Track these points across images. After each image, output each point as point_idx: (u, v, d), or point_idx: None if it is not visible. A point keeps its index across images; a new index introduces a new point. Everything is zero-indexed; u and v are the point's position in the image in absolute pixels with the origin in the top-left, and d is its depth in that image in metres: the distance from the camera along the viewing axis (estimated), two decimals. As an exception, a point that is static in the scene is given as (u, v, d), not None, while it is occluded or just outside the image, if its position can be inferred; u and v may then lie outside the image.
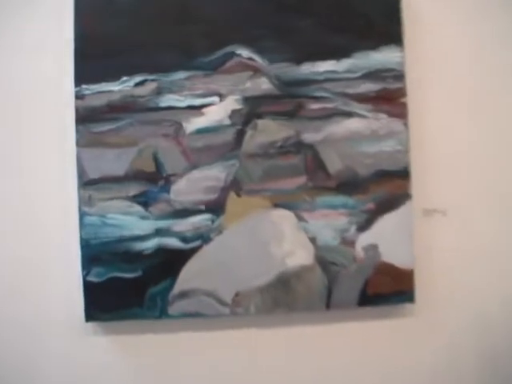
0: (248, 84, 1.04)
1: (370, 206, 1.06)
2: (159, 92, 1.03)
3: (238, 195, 1.04)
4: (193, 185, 1.04)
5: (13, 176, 1.08)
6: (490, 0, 1.15)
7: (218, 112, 1.04)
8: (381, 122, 1.06)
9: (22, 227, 1.07)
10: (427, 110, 1.12)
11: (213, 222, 1.04)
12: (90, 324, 1.05)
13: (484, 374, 1.13)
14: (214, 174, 1.04)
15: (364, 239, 1.06)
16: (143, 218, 1.03)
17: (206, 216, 1.04)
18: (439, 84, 1.13)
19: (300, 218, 1.05)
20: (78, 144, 1.03)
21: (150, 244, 1.03)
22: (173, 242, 1.03)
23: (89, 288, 1.03)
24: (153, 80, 1.03)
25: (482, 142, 1.14)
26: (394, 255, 1.06)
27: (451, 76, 1.14)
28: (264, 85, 1.05)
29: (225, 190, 1.04)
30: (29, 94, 1.07)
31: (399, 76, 1.07)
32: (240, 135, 1.05)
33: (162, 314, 1.03)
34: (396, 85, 1.07)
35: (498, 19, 1.14)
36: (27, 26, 1.08)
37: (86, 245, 1.02)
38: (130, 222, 1.03)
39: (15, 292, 1.07)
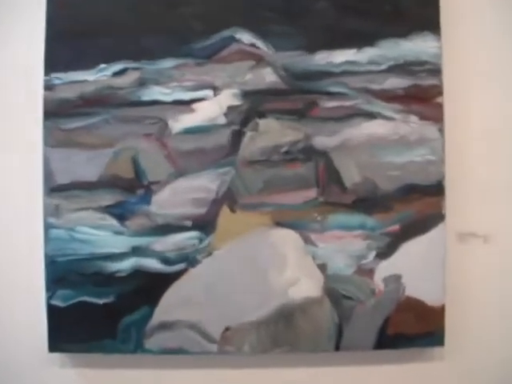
0: (249, 76, 0.91)
1: (394, 227, 0.92)
2: (142, 83, 0.91)
3: (233, 210, 0.92)
4: (178, 196, 0.92)
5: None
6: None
7: (211, 109, 0.92)
8: (410, 125, 0.92)
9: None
10: (467, 112, 0.97)
11: (201, 241, 0.92)
12: (57, 355, 0.94)
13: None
14: (204, 184, 0.92)
15: (385, 268, 0.92)
16: (118, 233, 0.91)
17: (193, 234, 0.92)
18: (483, 81, 0.97)
19: (307, 241, 0.92)
20: (46, 143, 0.91)
21: (125, 265, 0.91)
22: (152, 264, 0.91)
23: (53, 313, 0.91)
24: (135, 69, 0.91)
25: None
26: (421, 289, 0.92)
27: (497, 72, 0.97)
28: (268, 77, 0.92)
29: (216, 204, 0.92)
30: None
31: (434, 70, 0.92)
32: (237, 137, 0.92)
33: (138, 347, 0.91)
34: (430, 81, 0.92)
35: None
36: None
37: (50, 262, 0.90)
38: (102, 237, 0.91)
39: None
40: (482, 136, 0.97)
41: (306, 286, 0.91)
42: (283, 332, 0.91)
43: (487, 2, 0.97)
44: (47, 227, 0.90)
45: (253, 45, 0.91)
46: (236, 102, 0.92)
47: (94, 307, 0.90)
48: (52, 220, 0.91)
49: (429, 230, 0.92)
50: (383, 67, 0.92)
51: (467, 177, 0.96)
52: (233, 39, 0.91)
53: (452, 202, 0.93)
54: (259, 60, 0.91)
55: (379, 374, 0.96)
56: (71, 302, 0.90)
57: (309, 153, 0.92)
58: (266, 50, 0.91)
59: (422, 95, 0.92)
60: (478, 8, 0.97)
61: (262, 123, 0.92)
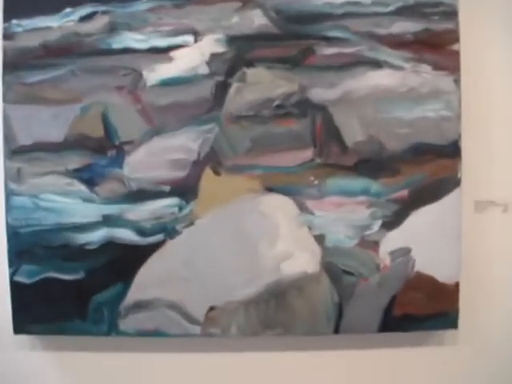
0: (235, 19, 0.88)
1: (403, 193, 0.89)
2: (112, 29, 0.89)
3: (217, 173, 0.89)
4: (154, 157, 0.89)
5: None
6: None
7: (191, 57, 0.88)
8: (422, 76, 0.88)
9: None
10: (487, 61, 0.91)
11: (181, 209, 0.89)
12: (25, 337, 0.91)
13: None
14: (184, 143, 0.88)
15: (392, 240, 0.88)
16: (87, 200, 0.89)
17: (172, 200, 0.89)
18: (505, 24, 0.91)
19: (302, 208, 0.89)
20: (6, 99, 0.88)
21: (95, 236, 0.89)
22: (126, 235, 0.89)
23: (17, 291, 0.89)
24: (104, 12, 0.89)
25: None
26: (433, 263, 0.88)
27: None
28: (257, 20, 0.88)
29: (198, 166, 0.88)
30: None
31: (450, 13, 0.88)
32: (222, 90, 0.89)
33: (112, 329, 0.89)
34: (445, 25, 0.88)
35: None
36: None
37: (13, 234, 0.89)
38: (70, 205, 0.88)
39: None
40: (504, 88, 0.91)
41: (301, 260, 0.88)
42: (275, 312, 0.88)
43: None
44: (8, 194, 0.88)
45: (239, -18, 0.87)
46: (220, 49, 0.88)
47: (62, 284, 0.88)
48: (14, 186, 0.88)
49: (442, 196, 0.87)
50: (391, 8, 0.87)
51: (486, 135, 0.91)
52: (216, -23, 0.87)
53: (469, 164, 0.88)
54: (247, 0, 0.86)
55: (383, 359, 0.93)
56: (37, 278, 0.89)
57: (304, 107, 0.88)
58: (254, -11, 0.87)
59: (436, 41, 0.87)
60: None
61: (251, 73, 0.88)
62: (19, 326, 0.88)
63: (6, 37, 0.87)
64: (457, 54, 0.86)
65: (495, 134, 0.90)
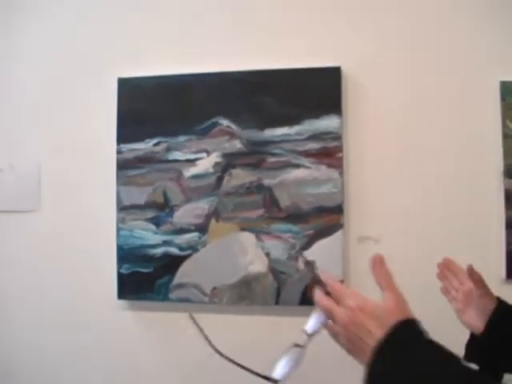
0: (226, 144, 1.41)
1: (310, 232, 1.36)
2: (168, 149, 1.44)
3: (217, 221, 1.39)
4: (187, 212, 1.42)
5: (76, 204, 1.59)
6: (422, 68, 1.40)
7: (205, 164, 1.41)
8: (321, 171, 1.39)
9: (81, 236, 1.55)
10: (358, 162, 1.42)
11: (200, 238, 1.40)
12: (121, 302, 1.49)
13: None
14: (201, 206, 1.41)
15: (305, 256, 1.37)
16: (155, 233, 1.44)
17: (195, 234, 1.41)
18: (372, 141, 1.42)
19: (259, 239, 1.37)
20: (118, 183, 1.48)
21: (158, 251, 1.43)
22: (173, 250, 1.42)
23: (120, 277, 1.47)
24: (164, 141, 1.44)
25: (404, 182, 1.43)
26: (327, 268, 1.39)
27: (382, 136, 1.44)
28: (237, 145, 1.40)
29: (208, 217, 1.40)
30: (86, 148, 1.55)
31: (337, 137, 1.39)
32: (220, 180, 1.40)
33: (165, 298, 1.42)
34: (334, 144, 1.39)
35: (430, 85, 1.37)
36: (88, 106, 1.60)
37: (120, 249, 1.46)
38: (146, 235, 1.46)
39: (72, 279, 1.52)
40: (372, 175, 1.42)
41: (258, 265, 1.37)
42: (245, 292, 1.37)
43: (377, 89, 1.43)
44: (118, 229, 1.45)
45: (228, 126, 1.41)
46: (219, 160, 1.40)
47: (142, 274, 1.44)
48: (121, 225, 1.47)
49: (332, 234, 1.38)
50: (305, 136, 1.38)
51: (362, 201, 1.40)
52: (217, 123, 1.42)
53: (353, 217, 1.40)
54: (232, 135, 1.40)
55: (303, 322, 1.35)
56: (130, 270, 1.45)
57: (260, 188, 1.38)
58: (236, 129, 1.41)
59: (329, 152, 1.37)
60: (371, 94, 1.43)
61: (234, 172, 1.39)
62: (120, 295, 1.44)
63: (118, 152, 1.45)
64: (341, 159, 1.36)
65: (367, 198, 1.40)
